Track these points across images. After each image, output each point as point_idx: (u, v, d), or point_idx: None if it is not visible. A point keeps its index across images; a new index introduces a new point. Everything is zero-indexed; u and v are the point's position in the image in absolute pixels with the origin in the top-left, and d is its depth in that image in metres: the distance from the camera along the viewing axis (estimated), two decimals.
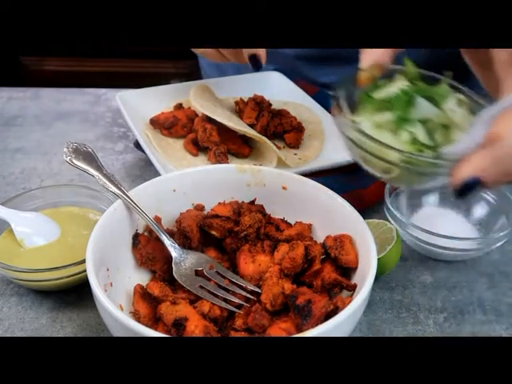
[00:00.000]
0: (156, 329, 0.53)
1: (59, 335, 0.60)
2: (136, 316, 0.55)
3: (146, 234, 0.63)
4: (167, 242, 0.60)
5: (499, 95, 0.51)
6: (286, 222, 0.66)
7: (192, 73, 1.27)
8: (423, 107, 0.53)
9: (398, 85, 0.56)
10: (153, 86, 0.95)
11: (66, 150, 0.64)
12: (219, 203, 0.65)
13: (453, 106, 0.54)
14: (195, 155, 0.84)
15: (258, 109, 0.89)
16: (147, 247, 0.61)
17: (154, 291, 0.56)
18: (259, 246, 0.61)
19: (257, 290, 0.57)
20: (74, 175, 0.85)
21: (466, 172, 0.47)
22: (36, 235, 0.66)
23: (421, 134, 0.52)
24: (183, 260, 0.59)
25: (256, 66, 0.74)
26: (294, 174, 0.66)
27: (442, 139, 0.52)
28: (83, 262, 0.53)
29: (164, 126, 0.87)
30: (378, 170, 0.55)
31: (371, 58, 0.54)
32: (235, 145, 0.84)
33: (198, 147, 0.84)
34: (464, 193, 0.48)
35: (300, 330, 0.51)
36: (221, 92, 0.95)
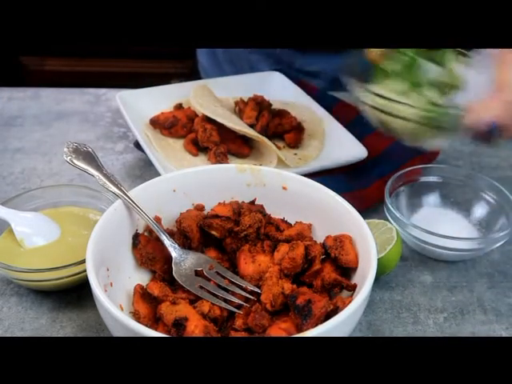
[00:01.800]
0: (156, 329, 0.53)
1: (59, 335, 0.60)
2: (136, 316, 0.55)
3: (146, 234, 0.63)
4: (167, 242, 0.60)
5: None
6: (286, 222, 0.66)
7: (192, 73, 1.27)
8: (428, 68, 0.59)
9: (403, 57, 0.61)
10: (153, 86, 0.95)
11: (66, 149, 0.64)
12: (219, 203, 0.65)
13: (456, 63, 0.58)
14: (195, 155, 0.84)
15: (257, 109, 0.89)
16: (147, 247, 0.61)
17: (153, 291, 0.56)
18: (259, 246, 0.61)
19: (257, 290, 0.57)
20: (74, 175, 0.85)
21: (486, 116, 0.50)
22: (36, 235, 0.66)
23: (435, 97, 0.59)
24: (183, 260, 0.59)
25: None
26: (294, 174, 0.66)
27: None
28: (83, 262, 0.53)
29: (164, 126, 0.87)
30: (396, 129, 0.62)
31: None
32: (235, 145, 0.84)
33: (197, 147, 0.84)
34: (489, 137, 0.52)
35: (300, 330, 0.51)
36: (221, 92, 0.95)
